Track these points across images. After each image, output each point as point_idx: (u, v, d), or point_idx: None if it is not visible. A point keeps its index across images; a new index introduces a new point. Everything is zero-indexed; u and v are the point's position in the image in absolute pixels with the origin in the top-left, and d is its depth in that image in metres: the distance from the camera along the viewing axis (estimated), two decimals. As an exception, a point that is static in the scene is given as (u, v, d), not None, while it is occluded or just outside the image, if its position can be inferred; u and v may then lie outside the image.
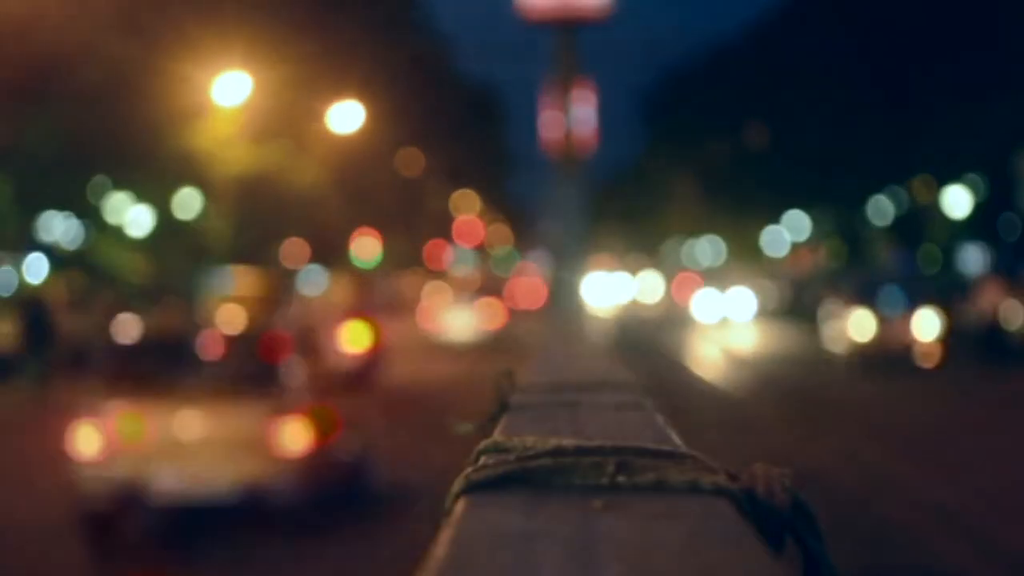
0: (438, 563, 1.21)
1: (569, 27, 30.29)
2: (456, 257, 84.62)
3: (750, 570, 1.22)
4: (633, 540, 1.30)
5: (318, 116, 39.74)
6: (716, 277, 64.84)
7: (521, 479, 1.54)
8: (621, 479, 1.52)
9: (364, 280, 56.67)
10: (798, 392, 29.07)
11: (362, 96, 40.31)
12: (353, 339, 26.09)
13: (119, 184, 39.30)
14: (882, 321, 34.68)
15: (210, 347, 15.03)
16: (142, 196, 40.34)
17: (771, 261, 75.96)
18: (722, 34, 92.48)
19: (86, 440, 13.55)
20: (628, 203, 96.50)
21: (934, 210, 54.47)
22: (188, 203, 41.80)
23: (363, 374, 23.66)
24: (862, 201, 60.67)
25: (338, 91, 39.55)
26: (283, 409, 13.78)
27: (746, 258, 76.39)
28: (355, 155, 44.25)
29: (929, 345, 33.99)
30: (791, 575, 1.34)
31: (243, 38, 33.77)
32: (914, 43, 48.90)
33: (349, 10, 43.46)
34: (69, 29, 28.27)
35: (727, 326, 55.11)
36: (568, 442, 1.66)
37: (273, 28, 35.79)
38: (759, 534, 1.40)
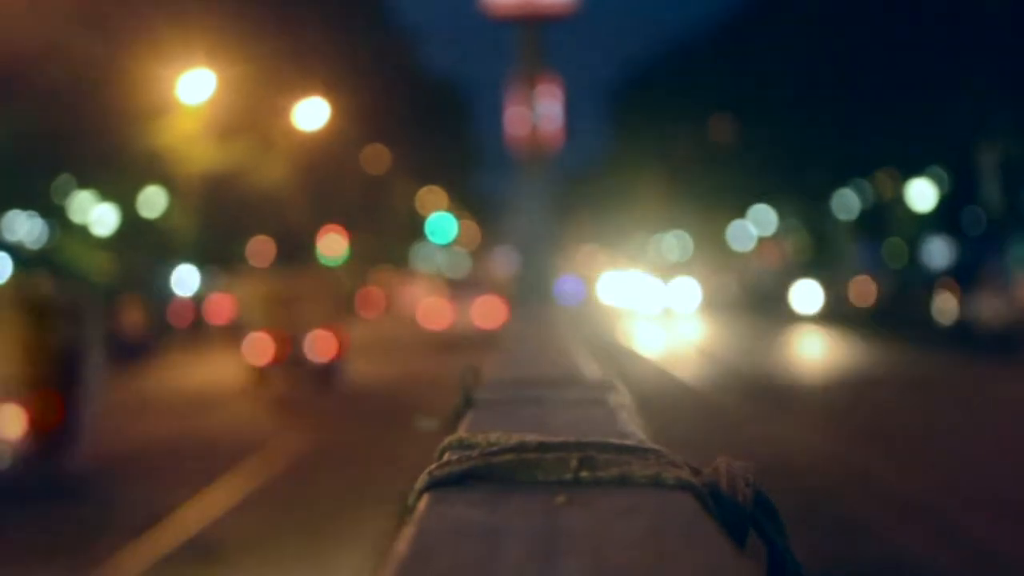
0: (400, 559, 1.20)
1: (533, 23, 30.30)
2: (423, 253, 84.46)
3: (712, 565, 1.22)
4: (595, 535, 1.30)
5: (283, 113, 39.65)
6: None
7: (485, 475, 1.55)
8: (584, 474, 1.53)
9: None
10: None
11: (327, 93, 40.23)
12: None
13: (84, 183, 39.14)
14: None
15: None
16: (107, 195, 40.19)
17: (737, 255, 76.21)
18: (687, 29, 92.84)
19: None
20: (595, 198, 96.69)
21: (899, 204, 54.81)
22: (153, 201, 41.69)
23: None
24: (827, 195, 60.98)
25: (303, 88, 39.47)
26: None
27: (712, 252, 76.68)
28: (320, 152, 44.21)
29: None
30: (754, 570, 1.34)
31: (207, 35, 33.69)
32: (876, 39, 49.14)
33: (313, 7, 43.39)
34: (32, 27, 28.13)
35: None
36: (532, 438, 1.67)
37: (237, 25, 35.71)
38: (722, 529, 1.40)
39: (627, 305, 66.41)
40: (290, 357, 28.89)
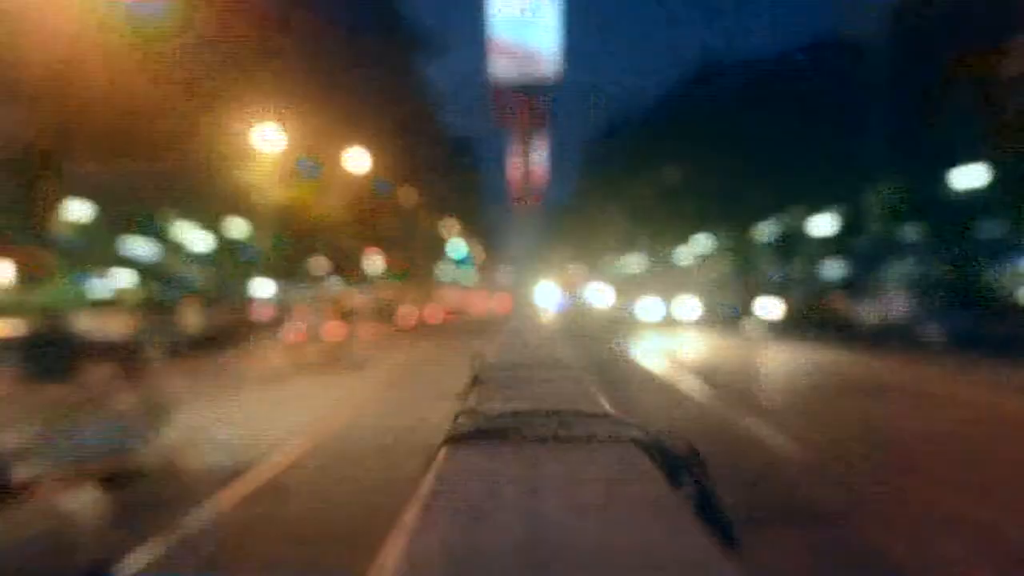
0: (425, 495, 1.23)
1: (529, 90, 30.23)
2: (443, 271, 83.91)
3: (653, 498, 1.24)
4: (568, 477, 1.33)
5: (336, 160, 39.62)
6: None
7: (488, 433, 1.57)
8: (561, 433, 1.56)
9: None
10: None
11: (370, 144, 40.23)
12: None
13: (184, 213, 39.07)
14: None
15: None
16: (202, 222, 40.12)
17: (684, 271, 75.79)
18: (649, 94, 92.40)
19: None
20: (574, 227, 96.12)
21: (805, 233, 54.79)
22: (238, 228, 41.60)
23: None
24: (752, 226, 60.95)
25: (351, 140, 39.46)
26: None
27: (663, 269, 76.31)
28: (364, 190, 44.12)
29: None
30: (685, 502, 1.36)
31: (280, 99, 33.67)
32: (788, 113, 49.41)
33: (360, 75, 43.28)
34: (146, 92, 28.10)
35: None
36: (523, 406, 1.70)
37: (303, 92, 35.69)
38: (662, 472, 1.43)
39: (619, 311, 65.11)
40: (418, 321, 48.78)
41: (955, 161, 37.72)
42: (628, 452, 1.49)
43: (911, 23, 42.11)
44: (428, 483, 1.29)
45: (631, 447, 1.51)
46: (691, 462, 1.58)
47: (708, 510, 1.49)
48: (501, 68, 30.58)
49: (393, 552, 1.04)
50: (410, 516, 1.15)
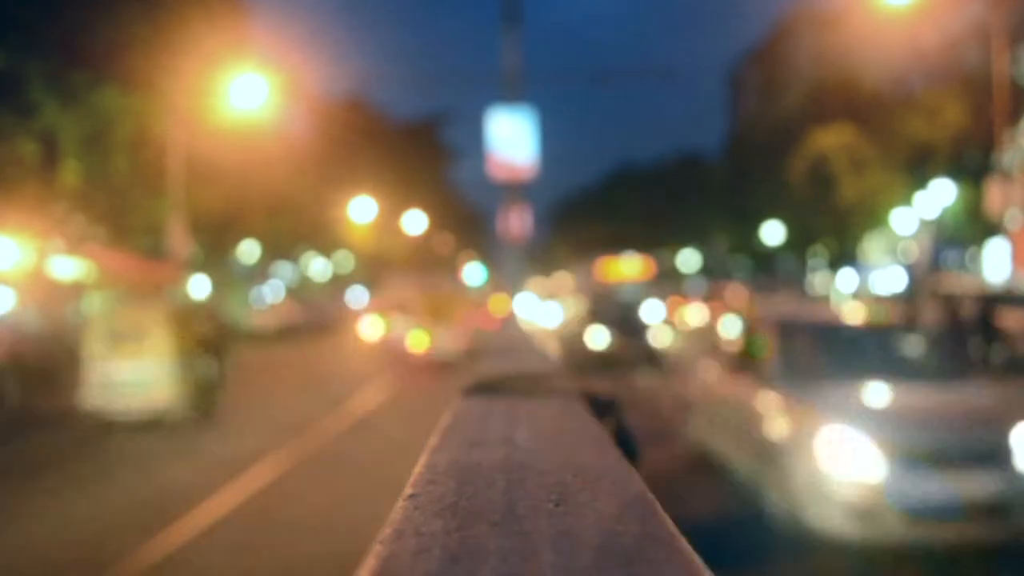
0: (443, 428, 1.18)
1: (515, 181, 30.22)
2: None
3: (587, 431, 1.19)
4: (534, 415, 1.28)
5: (398, 220, 39.65)
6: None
7: (485, 388, 1.52)
8: (533, 388, 1.50)
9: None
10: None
11: (424, 209, 40.32)
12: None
13: (312, 248, 38.90)
14: None
15: None
16: (322, 255, 39.96)
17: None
18: (589, 179, 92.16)
19: None
20: (546, 261, 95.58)
21: (675, 262, 54.92)
22: (346, 260, 41.50)
23: None
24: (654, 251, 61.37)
25: (409, 207, 39.54)
26: None
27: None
28: (419, 240, 44.20)
29: None
30: (606, 433, 1.31)
31: (370, 185, 33.65)
32: (669, 189, 49.66)
33: (418, 171, 43.30)
34: (288, 178, 28.10)
35: None
36: (509, 371, 1.64)
37: (377, 180, 35.75)
38: (594, 413, 1.38)
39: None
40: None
41: (763, 219, 37.59)
42: (572, 400, 1.43)
43: (739, 145, 42.38)
44: (445, 420, 1.23)
45: (574, 397, 1.45)
46: (612, 407, 1.53)
47: (622, 437, 1.44)
48: (496, 170, 30.55)
49: (419, 464, 0.97)
50: (432, 441, 1.09)
